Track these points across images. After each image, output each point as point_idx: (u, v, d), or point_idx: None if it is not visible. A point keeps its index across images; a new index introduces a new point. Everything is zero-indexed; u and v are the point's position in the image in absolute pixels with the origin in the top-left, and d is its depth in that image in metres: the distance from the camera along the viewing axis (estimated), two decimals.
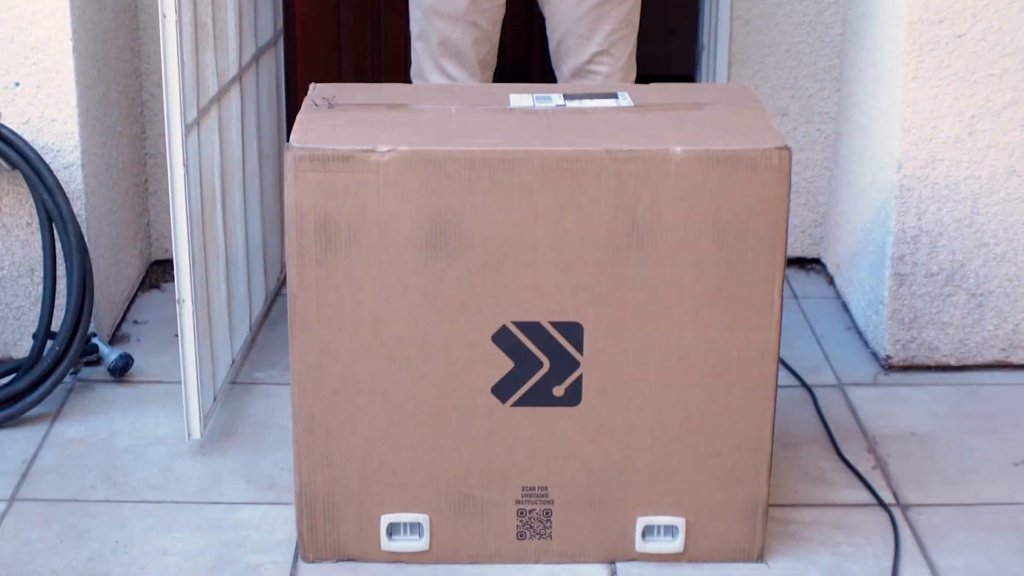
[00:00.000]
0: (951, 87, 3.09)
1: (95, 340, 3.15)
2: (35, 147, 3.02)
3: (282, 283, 3.57)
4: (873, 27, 3.32)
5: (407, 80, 3.27)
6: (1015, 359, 3.25)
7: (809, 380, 3.16)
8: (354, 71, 4.20)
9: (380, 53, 4.29)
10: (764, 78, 3.64)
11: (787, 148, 2.32)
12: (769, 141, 2.34)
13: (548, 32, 3.17)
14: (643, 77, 3.06)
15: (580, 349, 2.38)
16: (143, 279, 3.64)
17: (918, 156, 3.12)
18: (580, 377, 2.40)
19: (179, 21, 2.65)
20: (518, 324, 2.37)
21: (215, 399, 2.97)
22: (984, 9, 3.04)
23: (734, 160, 2.31)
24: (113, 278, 3.36)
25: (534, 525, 2.48)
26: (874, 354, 3.29)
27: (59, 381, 2.98)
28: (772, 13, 3.62)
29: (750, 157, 2.31)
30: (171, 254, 2.77)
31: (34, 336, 3.02)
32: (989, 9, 3.04)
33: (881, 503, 2.70)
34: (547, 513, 2.47)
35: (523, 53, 4.60)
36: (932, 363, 3.25)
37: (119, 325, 3.41)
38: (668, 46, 4.72)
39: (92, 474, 2.79)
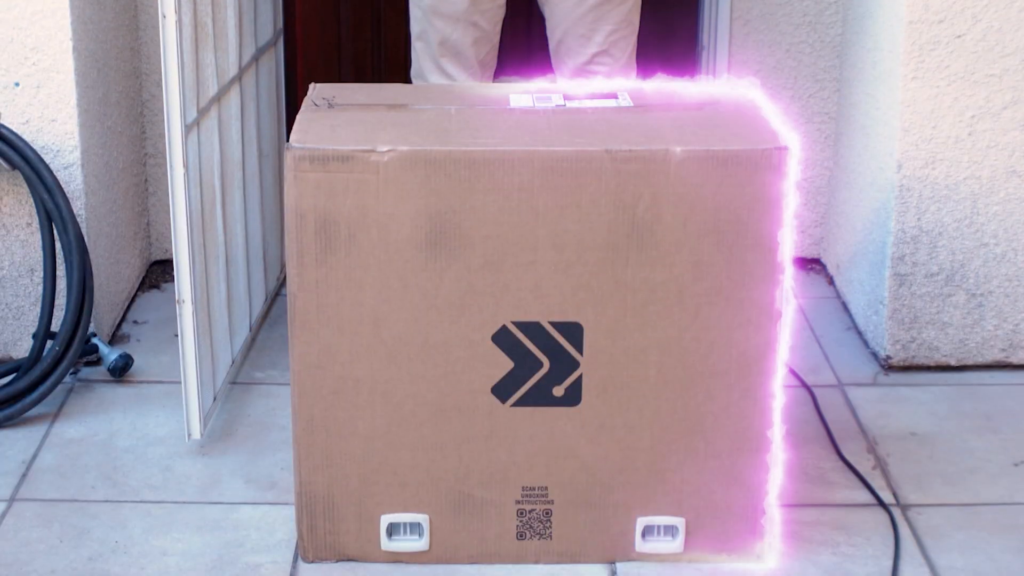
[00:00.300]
0: (951, 87, 3.09)
1: (95, 340, 3.15)
2: (35, 147, 3.02)
3: (282, 283, 3.57)
4: (873, 27, 3.32)
5: (407, 80, 3.27)
6: (1015, 359, 3.25)
7: (809, 380, 3.16)
8: (354, 71, 4.20)
9: (380, 53, 4.29)
10: (764, 78, 3.64)
11: (787, 148, 2.32)
12: (769, 141, 2.34)
13: (548, 32, 3.17)
14: (643, 77, 3.06)
15: (580, 349, 2.38)
16: (143, 279, 3.64)
17: (918, 156, 3.12)
18: (580, 377, 2.40)
19: (179, 21, 2.65)
20: (518, 324, 2.37)
21: (215, 399, 2.97)
22: (984, 9, 3.04)
23: (734, 160, 2.30)
24: (113, 278, 3.36)
25: (534, 525, 2.48)
26: (874, 354, 3.29)
27: (59, 381, 2.98)
28: (772, 13, 3.62)
29: (750, 157, 2.31)
30: (171, 254, 2.77)
31: (34, 336, 3.02)
32: (989, 9, 3.04)
33: (881, 503, 2.70)
34: (547, 513, 2.47)
35: (523, 53, 4.60)
36: (932, 363, 3.25)
37: (119, 325, 3.41)
38: (668, 46, 4.71)
39: (92, 474, 2.79)
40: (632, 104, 2.51)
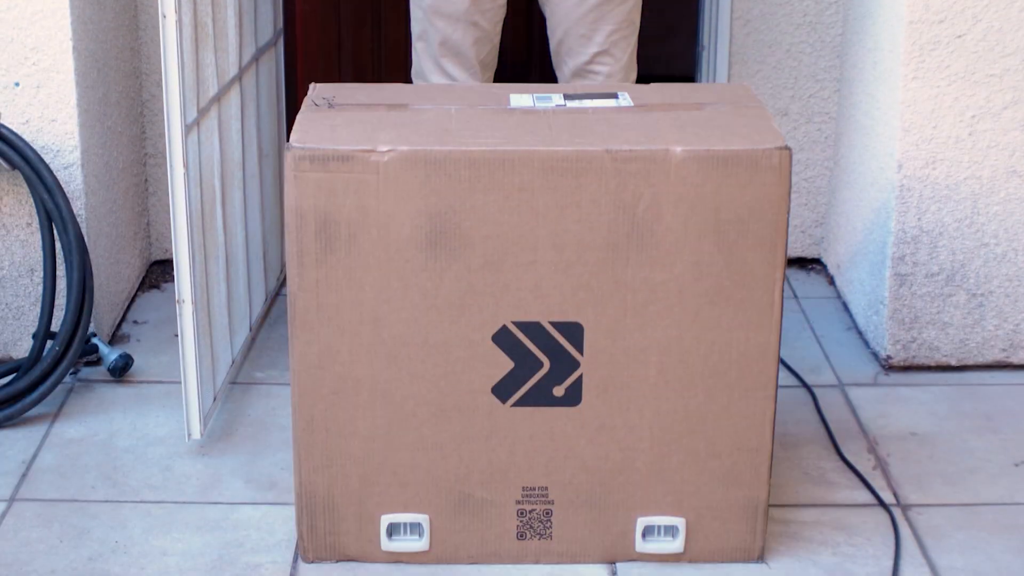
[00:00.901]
0: (951, 87, 3.09)
1: (95, 340, 3.15)
2: (35, 147, 3.02)
3: (282, 283, 3.57)
4: (873, 27, 3.32)
5: (407, 80, 3.27)
6: (1015, 359, 3.25)
7: (809, 380, 3.16)
8: (354, 71, 4.20)
9: (380, 53, 4.29)
10: (764, 78, 3.64)
11: (787, 148, 2.32)
12: (769, 141, 2.34)
13: (549, 32, 3.17)
14: (643, 77, 3.06)
15: (580, 349, 2.38)
16: (143, 279, 3.64)
17: (918, 156, 3.12)
18: (580, 377, 2.40)
19: (179, 21, 2.65)
20: (518, 324, 2.37)
21: (215, 399, 2.97)
22: (984, 9, 3.04)
23: (734, 160, 2.31)
24: (113, 278, 3.36)
25: (534, 525, 2.48)
26: (874, 354, 3.29)
27: (59, 381, 2.98)
28: (772, 13, 3.62)
29: (750, 157, 2.31)
30: (171, 254, 2.78)
31: (34, 336, 3.02)
32: (989, 9, 3.04)
33: (881, 503, 2.70)
34: (547, 513, 2.47)
35: (523, 53, 4.60)
36: (932, 363, 3.25)
37: (119, 325, 3.41)
38: (668, 46, 4.72)
39: (92, 474, 2.79)
40: (632, 104, 2.51)
